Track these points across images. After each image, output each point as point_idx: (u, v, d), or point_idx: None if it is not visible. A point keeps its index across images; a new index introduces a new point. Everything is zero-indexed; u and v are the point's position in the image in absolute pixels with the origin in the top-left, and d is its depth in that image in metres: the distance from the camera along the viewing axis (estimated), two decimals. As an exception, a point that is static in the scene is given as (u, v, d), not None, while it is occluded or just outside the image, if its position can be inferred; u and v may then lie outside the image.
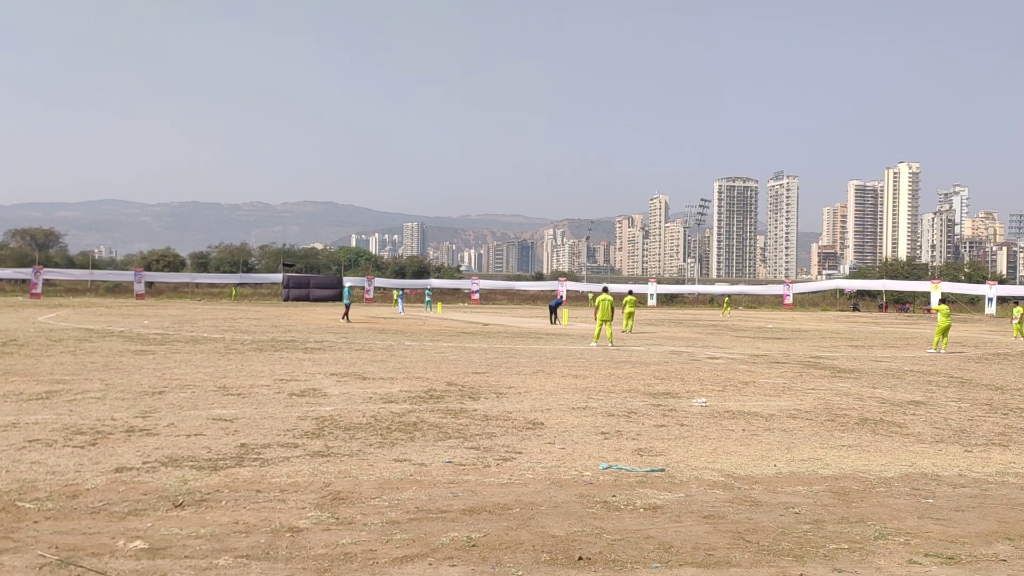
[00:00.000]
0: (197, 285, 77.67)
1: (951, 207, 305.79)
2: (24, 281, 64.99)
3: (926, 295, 73.97)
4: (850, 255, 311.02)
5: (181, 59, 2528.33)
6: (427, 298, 59.72)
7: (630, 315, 31.34)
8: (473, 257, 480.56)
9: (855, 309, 75.15)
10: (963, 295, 73.16)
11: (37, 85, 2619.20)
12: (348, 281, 60.84)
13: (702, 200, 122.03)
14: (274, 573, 4.73)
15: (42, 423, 9.29)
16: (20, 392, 11.75)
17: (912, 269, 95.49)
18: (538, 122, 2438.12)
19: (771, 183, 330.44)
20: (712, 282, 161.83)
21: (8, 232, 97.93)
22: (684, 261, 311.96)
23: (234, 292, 72.81)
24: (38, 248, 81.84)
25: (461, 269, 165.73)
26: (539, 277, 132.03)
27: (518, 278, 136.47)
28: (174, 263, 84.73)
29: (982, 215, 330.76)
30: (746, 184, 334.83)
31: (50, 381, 13.03)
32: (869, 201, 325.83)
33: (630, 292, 33.40)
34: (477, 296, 77.22)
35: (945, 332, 24.37)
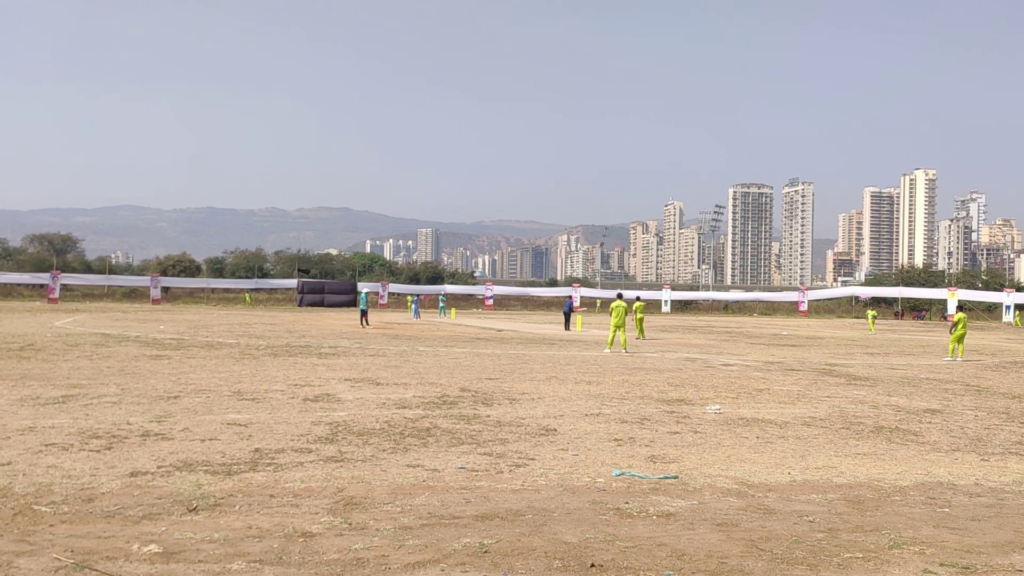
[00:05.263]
0: (213, 290, 78.11)
1: (968, 214, 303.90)
2: (42, 286, 65.46)
3: (942, 302, 73.47)
4: (866, 262, 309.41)
5: (197, 66, 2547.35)
6: (441, 304, 59.77)
7: (640, 321, 31.30)
8: (487, 263, 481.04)
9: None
10: (980, 303, 72.57)
11: (53, 91, 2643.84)
12: (363, 287, 61.00)
13: (717, 206, 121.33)
14: (287, 578, 4.74)
15: (58, 427, 9.36)
16: (37, 396, 11.84)
17: (928, 276, 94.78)
18: (552, 128, 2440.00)
19: (786, 189, 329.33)
20: (727, 289, 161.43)
21: (26, 237, 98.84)
22: (699, 267, 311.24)
23: (248, 297, 73.12)
24: (56, 253, 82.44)
25: (475, 275, 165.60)
26: (553, 283, 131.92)
27: (532, 284, 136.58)
28: (190, 268, 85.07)
29: (999, 222, 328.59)
30: (761, 190, 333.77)
31: (67, 385, 13.13)
32: (885, 208, 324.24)
33: (637, 298, 33.35)
34: (491, 302, 77.24)
35: (961, 339, 24.19)
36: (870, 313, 50.92)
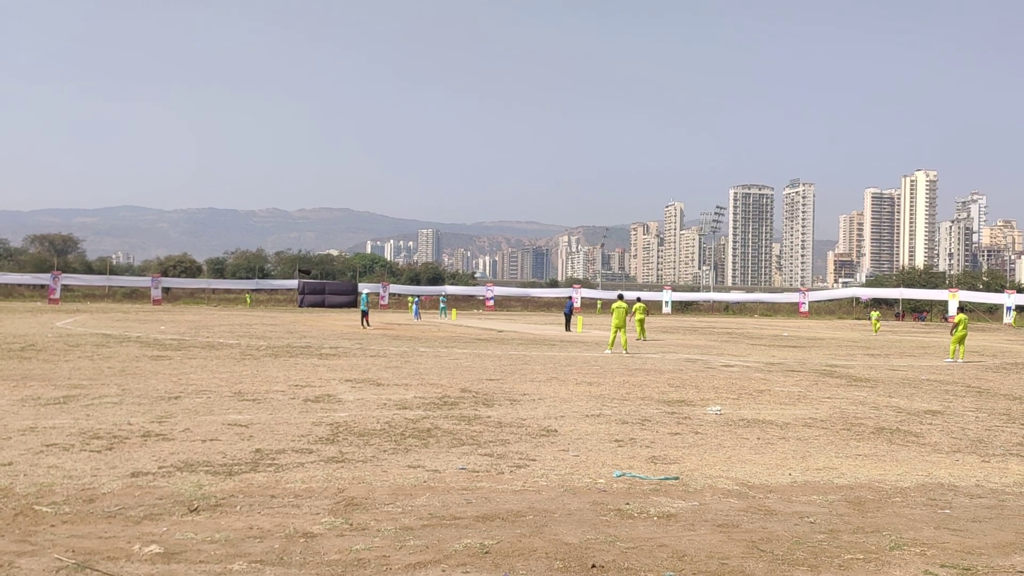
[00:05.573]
0: (213, 291, 78.15)
1: (969, 215, 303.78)
2: (43, 287, 65.53)
3: (943, 304, 73.45)
4: (867, 263, 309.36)
5: (198, 67, 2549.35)
6: (442, 304, 59.80)
7: (641, 322, 31.22)
8: (488, 264, 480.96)
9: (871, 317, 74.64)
10: (981, 304, 72.55)
11: (55, 92, 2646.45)
12: (364, 288, 61.25)
13: (717, 207, 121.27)
14: (288, 578, 4.74)
15: (60, 427, 9.36)
16: (38, 396, 11.85)
17: (929, 278, 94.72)
18: (552, 129, 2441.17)
19: (787, 190, 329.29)
20: (727, 290, 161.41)
21: (27, 238, 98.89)
22: (699, 268, 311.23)
23: (248, 298, 73.12)
24: (57, 254, 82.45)
25: (476, 276, 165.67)
26: (554, 284, 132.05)
27: (532, 285, 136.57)
28: (191, 269, 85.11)
29: (1000, 223, 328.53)
30: (762, 191, 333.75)
31: (68, 386, 13.14)
32: (886, 209, 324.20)
33: (638, 299, 33.30)
34: (491, 303, 77.25)
35: (961, 341, 24.19)
36: (874, 314, 50.34)
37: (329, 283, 75.35)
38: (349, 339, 27.39)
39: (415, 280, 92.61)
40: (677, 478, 7.60)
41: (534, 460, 8.25)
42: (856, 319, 71.28)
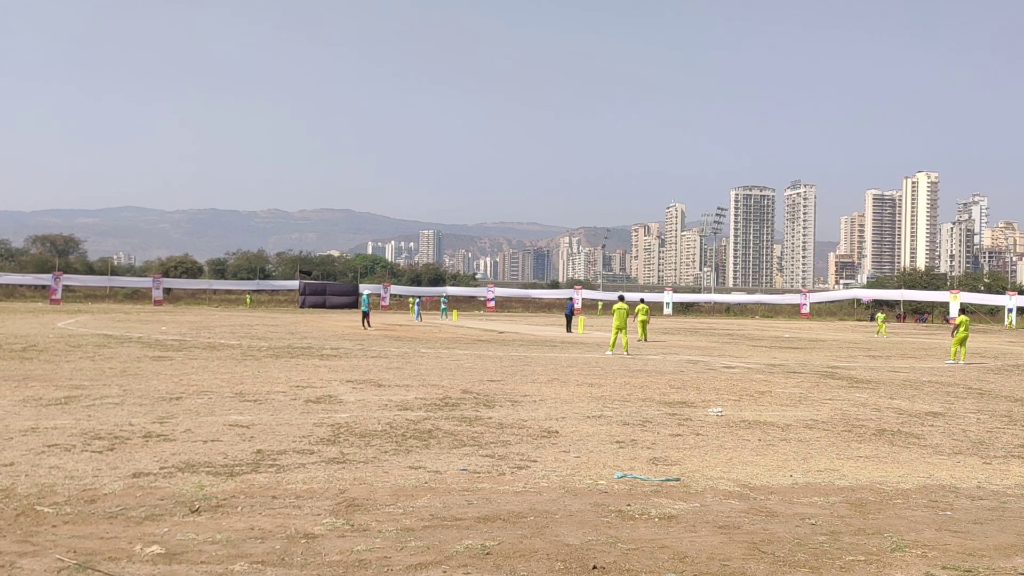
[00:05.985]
0: (215, 292, 78.18)
1: (970, 217, 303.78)
2: (44, 287, 65.57)
3: (945, 305, 73.43)
4: (868, 265, 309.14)
5: (199, 67, 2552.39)
6: (443, 305, 59.80)
7: (643, 324, 31.25)
8: (489, 265, 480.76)
9: (873, 319, 74.61)
10: (982, 306, 72.50)
11: (56, 92, 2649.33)
12: (364, 288, 61.23)
13: (718, 209, 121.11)
14: (289, 579, 4.74)
15: (61, 428, 9.37)
16: (40, 397, 11.86)
17: (931, 279, 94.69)
18: (554, 130, 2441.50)
19: (788, 192, 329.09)
20: (728, 291, 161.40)
21: (29, 238, 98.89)
22: (700, 270, 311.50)
23: (248, 299, 73.13)
24: (58, 254, 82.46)
25: (477, 277, 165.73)
26: (555, 285, 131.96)
27: (533, 286, 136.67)
28: (192, 270, 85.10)
29: (1002, 225, 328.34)
30: (763, 193, 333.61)
31: (69, 386, 13.15)
32: (887, 210, 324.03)
33: (641, 300, 33.36)
34: (492, 304, 77.26)
35: (963, 342, 24.17)
36: (879, 316, 49.32)
37: (330, 284, 75.39)
38: (350, 340, 27.40)
39: (416, 281, 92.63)
40: (678, 479, 7.60)
41: (535, 461, 8.25)
42: (857, 320, 71.24)
